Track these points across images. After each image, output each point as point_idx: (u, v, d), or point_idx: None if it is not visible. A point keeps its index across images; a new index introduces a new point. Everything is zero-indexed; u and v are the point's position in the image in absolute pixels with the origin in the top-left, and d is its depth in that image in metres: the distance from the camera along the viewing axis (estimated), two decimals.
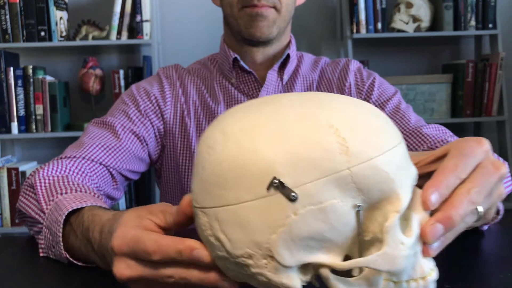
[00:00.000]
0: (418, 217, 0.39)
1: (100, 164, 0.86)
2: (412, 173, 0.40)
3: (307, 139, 0.36)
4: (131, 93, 0.98)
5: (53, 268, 0.62)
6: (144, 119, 0.95)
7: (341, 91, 0.99)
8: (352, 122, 0.37)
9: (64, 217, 0.62)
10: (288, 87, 1.00)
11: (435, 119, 2.19)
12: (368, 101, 0.98)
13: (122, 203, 2.20)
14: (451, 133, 0.91)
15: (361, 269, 0.39)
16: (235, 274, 0.40)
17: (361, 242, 0.38)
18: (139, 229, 0.44)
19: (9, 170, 2.11)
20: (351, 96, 0.98)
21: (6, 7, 2.08)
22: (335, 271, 0.39)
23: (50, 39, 2.11)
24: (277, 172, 0.36)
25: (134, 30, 2.18)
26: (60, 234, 0.61)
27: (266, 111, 0.39)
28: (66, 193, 0.69)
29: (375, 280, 0.38)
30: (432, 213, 0.40)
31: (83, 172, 0.82)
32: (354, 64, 1.04)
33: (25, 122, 2.11)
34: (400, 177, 0.38)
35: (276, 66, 0.97)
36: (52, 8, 2.11)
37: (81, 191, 0.70)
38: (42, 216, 0.68)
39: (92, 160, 0.85)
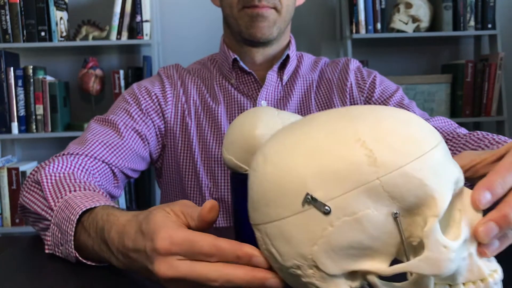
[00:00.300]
0: (469, 218, 0.39)
1: (103, 162, 0.86)
2: (452, 175, 0.40)
3: (335, 154, 0.38)
4: (133, 92, 0.98)
5: (53, 268, 0.62)
6: (146, 118, 0.95)
7: (342, 91, 1.00)
8: (379, 133, 0.38)
9: (77, 216, 0.61)
10: (288, 88, 1.00)
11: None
12: (370, 98, 0.99)
13: (122, 203, 2.20)
14: (457, 124, 0.91)
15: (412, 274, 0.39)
16: (293, 283, 0.43)
17: (409, 247, 0.39)
18: (187, 230, 0.45)
19: (9, 170, 2.11)
20: (352, 95, 0.99)
21: (6, 7, 2.08)
22: (384, 277, 0.40)
23: (50, 39, 2.12)
24: (309, 188, 0.38)
25: (134, 30, 2.18)
26: (72, 233, 0.61)
27: (299, 132, 0.41)
28: (74, 191, 0.68)
29: (425, 284, 0.38)
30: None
31: (87, 169, 0.82)
32: (354, 63, 1.04)
33: (25, 122, 2.12)
34: (436, 181, 0.38)
35: (275, 67, 0.97)
36: (52, 8, 2.11)
37: (89, 190, 0.70)
38: (50, 213, 0.67)
39: (95, 158, 0.85)
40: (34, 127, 2.11)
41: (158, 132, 0.97)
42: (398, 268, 0.38)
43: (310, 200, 0.38)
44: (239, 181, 0.59)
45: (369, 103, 0.98)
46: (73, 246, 0.61)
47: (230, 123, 0.96)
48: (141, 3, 2.13)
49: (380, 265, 0.39)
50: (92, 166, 0.84)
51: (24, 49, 2.27)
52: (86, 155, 0.85)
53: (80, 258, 0.61)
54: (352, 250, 0.38)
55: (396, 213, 0.38)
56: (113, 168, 0.88)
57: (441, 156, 0.39)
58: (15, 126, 2.10)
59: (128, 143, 0.91)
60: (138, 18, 2.14)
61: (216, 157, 0.95)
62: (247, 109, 0.97)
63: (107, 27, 2.17)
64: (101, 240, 0.56)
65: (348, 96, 0.99)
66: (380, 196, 0.37)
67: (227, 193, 0.94)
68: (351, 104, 0.99)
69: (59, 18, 2.14)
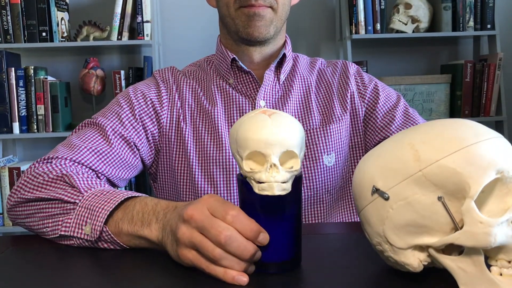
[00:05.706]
0: None
1: (90, 168, 0.86)
2: (494, 164, 0.47)
3: (392, 156, 0.51)
4: (128, 96, 0.97)
5: (53, 268, 0.63)
6: (137, 124, 0.94)
7: (343, 96, 1.00)
8: (425, 138, 0.50)
9: (122, 199, 0.69)
10: (286, 87, 1.00)
11: (434, 120, 2.19)
12: (375, 106, 0.99)
13: None
14: None
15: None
16: (383, 258, 0.55)
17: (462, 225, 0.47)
18: None
19: (10, 170, 2.12)
20: (353, 101, 1.00)
21: (8, 7, 2.09)
22: (444, 251, 0.50)
23: (51, 40, 2.13)
24: (375, 182, 0.52)
25: (135, 31, 2.19)
26: (110, 209, 0.68)
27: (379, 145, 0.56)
28: (101, 186, 0.76)
29: (475, 256, 0.47)
30: None
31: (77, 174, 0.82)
32: (353, 68, 1.04)
33: (26, 122, 2.13)
34: (470, 169, 0.47)
35: (273, 66, 0.98)
36: (53, 9, 2.12)
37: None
38: (78, 198, 0.72)
39: (83, 164, 0.86)
40: (35, 127, 2.12)
41: (150, 138, 0.96)
42: (443, 240, 0.48)
43: (375, 190, 0.51)
44: (245, 182, 0.59)
45: (374, 111, 0.99)
46: (104, 220, 0.68)
47: (228, 123, 0.96)
48: (141, 4, 2.14)
49: (435, 240, 0.49)
50: (79, 172, 0.83)
51: (25, 50, 2.28)
52: (75, 161, 0.85)
53: (109, 231, 0.68)
54: (410, 227, 0.50)
55: (440, 197, 0.48)
56: (99, 175, 0.88)
57: (483, 150, 0.47)
58: (16, 126, 2.11)
59: (116, 151, 0.90)
60: (139, 19, 2.15)
61: (214, 159, 0.94)
62: (245, 109, 0.97)
63: (108, 28, 2.18)
64: (151, 211, 0.65)
65: (349, 102, 1.00)
66: (424, 184, 0.48)
67: (227, 195, 0.94)
68: (352, 111, 1.00)
69: (60, 19, 2.16)
